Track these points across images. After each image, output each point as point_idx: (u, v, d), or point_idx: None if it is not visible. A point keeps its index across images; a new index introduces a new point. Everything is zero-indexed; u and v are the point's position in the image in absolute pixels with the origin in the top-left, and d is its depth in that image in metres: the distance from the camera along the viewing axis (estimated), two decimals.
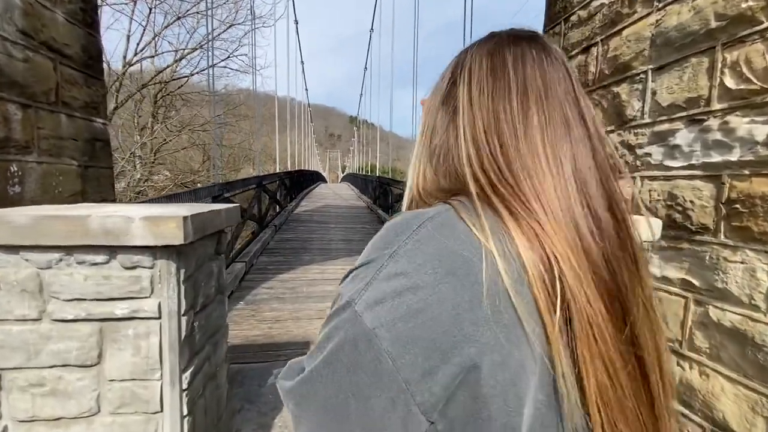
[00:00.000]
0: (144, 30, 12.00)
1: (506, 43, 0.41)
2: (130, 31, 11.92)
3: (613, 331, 0.33)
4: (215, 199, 4.90)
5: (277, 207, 9.86)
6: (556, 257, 0.32)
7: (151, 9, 11.62)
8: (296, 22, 20.75)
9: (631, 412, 0.33)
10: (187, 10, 11.91)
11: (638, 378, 0.34)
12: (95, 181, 2.80)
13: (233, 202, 5.77)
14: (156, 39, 12.32)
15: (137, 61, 12.01)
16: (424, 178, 0.43)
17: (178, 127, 13.92)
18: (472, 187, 0.36)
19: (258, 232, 7.22)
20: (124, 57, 11.82)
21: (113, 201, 3.02)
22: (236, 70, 14.21)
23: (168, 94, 13.78)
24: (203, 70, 13.07)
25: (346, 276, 0.35)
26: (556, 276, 0.32)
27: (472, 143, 0.38)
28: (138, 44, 11.94)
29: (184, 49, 12.75)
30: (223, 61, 13.57)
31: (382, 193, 11.92)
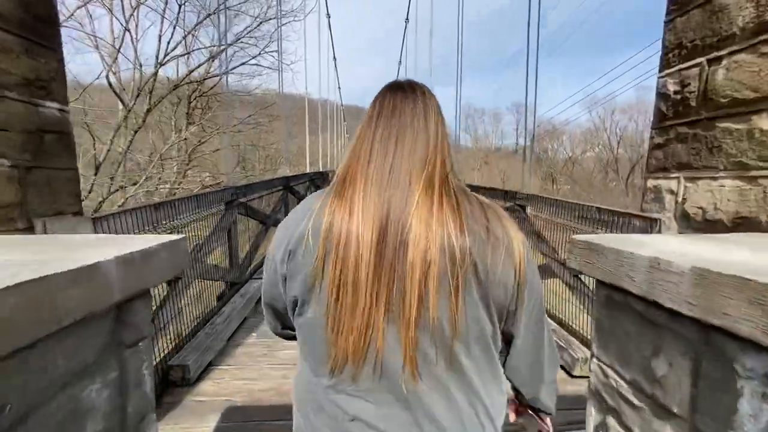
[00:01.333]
0: (174, 29, 11.71)
1: (384, 91, 0.78)
2: (161, 30, 11.66)
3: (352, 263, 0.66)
4: (229, 206, 4.14)
5: None
6: (339, 221, 0.67)
7: (180, 6, 11.29)
8: (328, 15, 19.83)
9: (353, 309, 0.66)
10: (217, 7, 11.47)
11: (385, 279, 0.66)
12: (45, 187, 2.06)
13: (251, 208, 5.02)
14: (187, 38, 12.01)
15: (167, 61, 11.72)
16: None
17: (211, 128, 13.57)
18: (332, 182, 0.74)
19: None
20: (156, 57, 11.57)
21: (77, 213, 2.27)
22: (267, 67, 13.64)
23: (201, 95, 13.45)
24: (233, 68, 12.65)
25: None
26: (331, 230, 0.67)
27: (352, 155, 0.74)
28: (168, 43, 11.66)
29: (213, 47, 12.35)
30: (254, 58, 13.06)
31: None
